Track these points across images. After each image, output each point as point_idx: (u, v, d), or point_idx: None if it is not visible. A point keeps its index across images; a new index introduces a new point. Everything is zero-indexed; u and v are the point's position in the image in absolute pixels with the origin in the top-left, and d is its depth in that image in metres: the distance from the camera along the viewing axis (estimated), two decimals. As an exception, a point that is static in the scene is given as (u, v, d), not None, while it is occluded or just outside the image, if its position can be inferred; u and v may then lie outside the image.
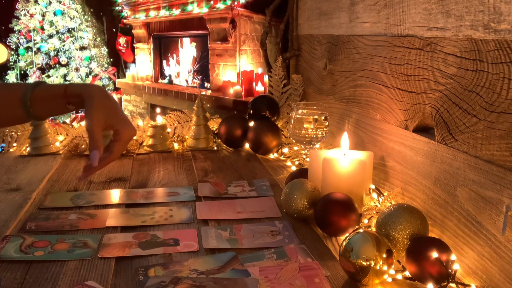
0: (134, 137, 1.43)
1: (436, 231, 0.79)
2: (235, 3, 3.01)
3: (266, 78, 2.78)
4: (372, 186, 0.97)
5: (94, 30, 4.98)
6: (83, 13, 4.87)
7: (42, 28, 4.61)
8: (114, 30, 4.92)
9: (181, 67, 3.96)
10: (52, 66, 4.66)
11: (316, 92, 1.47)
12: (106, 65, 4.97)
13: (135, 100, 4.43)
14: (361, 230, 0.70)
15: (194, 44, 3.75)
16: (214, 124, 1.56)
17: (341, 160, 0.90)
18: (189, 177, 1.17)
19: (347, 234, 0.72)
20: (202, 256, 0.76)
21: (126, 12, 4.31)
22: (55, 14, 4.63)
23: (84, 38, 4.77)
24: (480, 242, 0.67)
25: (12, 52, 4.58)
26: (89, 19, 4.96)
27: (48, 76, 4.64)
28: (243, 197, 1.03)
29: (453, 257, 0.66)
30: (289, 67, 1.70)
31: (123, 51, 4.73)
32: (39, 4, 4.60)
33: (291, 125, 1.17)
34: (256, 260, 0.74)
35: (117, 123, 0.76)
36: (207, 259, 0.75)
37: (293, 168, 1.23)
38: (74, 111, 0.78)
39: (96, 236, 0.83)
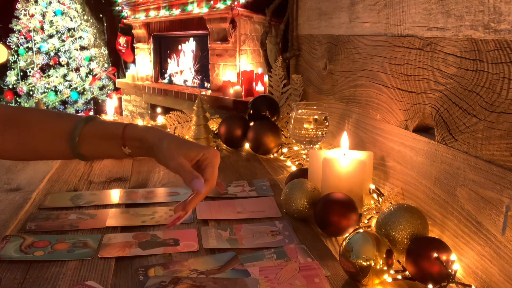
0: None
1: (436, 231, 0.79)
2: (235, 3, 3.01)
3: (266, 78, 2.78)
4: (372, 186, 0.97)
5: (94, 30, 4.98)
6: (83, 13, 4.87)
7: (42, 28, 4.61)
8: (114, 30, 4.92)
9: (182, 66, 3.96)
10: (52, 66, 4.66)
11: (316, 92, 1.47)
12: (106, 65, 4.97)
13: (135, 100, 4.43)
14: (361, 230, 0.70)
15: (193, 41, 3.75)
16: (214, 124, 1.56)
17: (341, 160, 0.90)
18: (189, 177, 1.17)
19: (347, 234, 0.72)
20: (202, 256, 0.76)
21: (126, 12, 4.30)
22: (55, 14, 4.64)
23: (84, 38, 4.77)
24: (480, 242, 0.67)
25: (13, 52, 4.58)
26: (89, 19, 4.96)
27: (48, 76, 4.64)
28: (243, 197, 1.03)
29: (453, 257, 0.66)
30: (289, 67, 1.70)
31: (123, 51, 4.73)
32: (39, 4, 4.60)
33: (291, 125, 1.17)
34: (256, 260, 0.74)
35: (197, 151, 0.67)
36: (207, 259, 0.75)
37: (293, 168, 1.23)
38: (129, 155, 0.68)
39: (96, 236, 0.83)
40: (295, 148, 1.34)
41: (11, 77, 4.62)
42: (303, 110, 1.16)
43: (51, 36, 4.64)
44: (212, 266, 0.72)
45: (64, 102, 4.76)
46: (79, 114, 0.71)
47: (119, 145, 0.67)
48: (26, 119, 0.69)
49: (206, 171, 0.66)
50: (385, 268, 0.66)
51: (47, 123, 0.69)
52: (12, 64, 4.63)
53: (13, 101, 4.63)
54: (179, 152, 0.65)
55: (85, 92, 4.80)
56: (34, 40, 4.59)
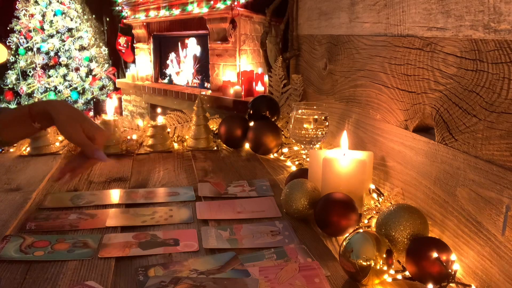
0: (135, 138, 1.43)
1: (436, 231, 0.79)
2: (235, 3, 3.01)
3: (266, 78, 2.78)
4: (372, 186, 0.97)
5: (94, 30, 4.98)
6: (83, 13, 4.87)
7: (42, 28, 4.61)
8: (114, 30, 4.92)
9: (183, 66, 3.96)
10: (52, 66, 4.66)
11: (316, 92, 1.47)
12: (106, 65, 4.97)
13: (135, 100, 4.43)
14: (361, 230, 0.70)
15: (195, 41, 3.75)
16: (214, 124, 1.56)
17: (341, 160, 0.90)
18: (189, 177, 1.17)
19: (347, 234, 0.72)
20: (202, 256, 0.76)
21: (126, 12, 4.30)
22: (55, 14, 4.63)
23: (84, 38, 4.77)
24: (480, 242, 0.67)
25: (13, 52, 4.58)
26: (89, 19, 4.96)
27: (49, 76, 4.64)
28: (243, 197, 1.03)
29: (453, 257, 0.66)
30: (289, 67, 1.70)
31: (123, 51, 4.73)
32: (39, 4, 4.60)
33: (291, 125, 1.17)
34: (256, 260, 0.74)
35: (90, 129, 0.77)
36: (207, 259, 0.75)
37: (293, 168, 1.23)
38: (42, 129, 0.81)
39: (96, 236, 0.83)
40: (295, 148, 1.34)
41: (11, 77, 4.61)
42: (303, 110, 1.16)
43: (51, 36, 4.64)
44: (212, 266, 0.72)
45: (64, 102, 4.75)
46: None
47: (30, 123, 0.77)
48: None
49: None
50: (385, 268, 0.66)
51: None
52: (13, 64, 4.62)
53: (13, 101, 4.63)
54: (76, 127, 0.76)
55: (85, 92, 4.79)
56: (34, 40, 4.59)
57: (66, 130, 0.76)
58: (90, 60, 4.81)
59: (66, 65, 4.70)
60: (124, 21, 4.40)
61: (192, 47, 3.79)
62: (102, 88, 4.90)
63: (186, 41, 3.83)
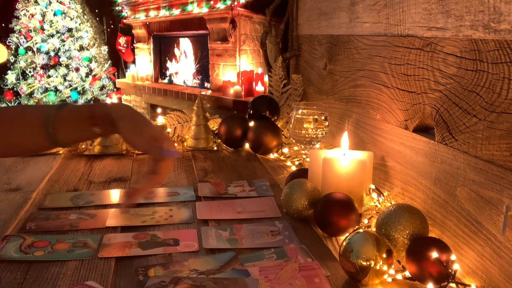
0: None
1: (436, 231, 0.79)
2: (235, 3, 3.01)
3: (266, 78, 2.78)
4: (372, 186, 0.97)
5: (94, 30, 4.98)
6: (83, 13, 4.87)
7: (42, 28, 4.61)
8: (114, 30, 4.92)
9: (182, 66, 3.96)
10: (52, 66, 4.66)
11: (316, 92, 1.47)
12: (106, 65, 4.97)
13: (135, 100, 4.43)
14: (361, 230, 0.70)
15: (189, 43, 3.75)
16: (214, 124, 1.56)
17: (341, 160, 0.90)
18: (189, 177, 1.17)
19: (347, 234, 0.72)
20: (202, 256, 0.76)
21: (126, 12, 4.31)
22: (55, 14, 4.63)
23: (84, 38, 4.77)
24: (480, 242, 0.67)
25: (13, 52, 4.58)
26: (89, 19, 4.96)
27: (49, 76, 4.64)
28: (243, 197, 1.03)
29: (453, 257, 0.66)
30: (289, 67, 1.70)
31: (123, 51, 4.73)
32: (39, 4, 4.60)
33: (291, 125, 1.17)
34: (256, 260, 0.74)
35: (158, 137, 0.70)
36: (207, 259, 0.75)
37: (293, 168, 1.22)
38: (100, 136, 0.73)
39: (96, 236, 0.83)
40: (295, 148, 1.34)
41: (11, 77, 4.61)
42: (303, 110, 1.16)
43: (51, 36, 4.64)
44: (212, 266, 0.72)
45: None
46: (51, 104, 0.74)
47: (89, 126, 0.70)
48: (4, 116, 0.72)
49: (158, 163, 0.69)
50: (385, 268, 0.66)
51: (22, 117, 0.72)
52: (13, 64, 4.62)
53: (13, 101, 4.63)
54: (139, 135, 0.68)
55: (85, 92, 4.80)
56: (34, 40, 4.59)
57: (129, 140, 0.68)
58: (90, 60, 4.81)
59: (66, 65, 4.70)
60: (124, 21, 4.40)
61: (189, 47, 3.79)
62: (102, 88, 4.90)
63: (182, 40, 3.83)
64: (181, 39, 3.89)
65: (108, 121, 0.69)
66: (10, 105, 4.57)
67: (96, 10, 5.00)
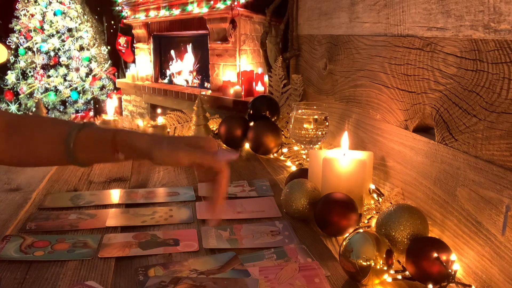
0: None
1: (436, 231, 0.79)
2: (235, 3, 3.01)
3: (266, 78, 2.78)
4: (372, 186, 0.97)
5: (94, 30, 4.98)
6: (83, 13, 4.87)
7: (42, 28, 4.61)
8: (114, 30, 4.92)
9: (181, 66, 3.96)
10: (52, 66, 4.66)
11: (316, 92, 1.47)
12: (106, 65, 4.97)
13: (135, 100, 4.43)
14: (361, 230, 0.70)
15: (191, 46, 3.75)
16: (214, 124, 1.56)
17: (341, 160, 0.90)
18: (189, 177, 1.17)
19: (347, 234, 0.72)
20: (202, 256, 0.76)
21: (126, 12, 4.30)
22: (55, 14, 4.63)
23: (84, 38, 4.77)
24: (480, 242, 0.67)
25: (13, 52, 4.58)
26: (89, 19, 4.96)
27: (48, 76, 4.64)
28: (243, 197, 1.03)
29: (453, 257, 0.66)
30: (289, 67, 1.70)
31: (123, 51, 4.73)
32: (39, 4, 4.60)
33: (291, 125, 1.17)
34: (256, 260, 0.74)
35: (195, 141, 0.66)
36: (207, 259, 0.75)
37: (293, 168, 1.22)
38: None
39: (96, 236, 0.83)
40: (295, 148, 1.34)
41: (11, 77, 4.61)
42: (303, 110, 1.16)
43: (51, 36, 4.64)
44: (212, 266, 0.72)
45: (64, 102, 4.76)
46: (75, 121, 0.73)
47: (111, 151, 0.67)
48: (28, 126, 0.71)
49: (213, 170, 0.65)
50: (385, 268, 0.66)
51: (45, 130, 0.71)
52: (13, 64, 4.62)
53: (13, 101, 4.63)
54: (179, 151, 0.64)
55: (85, 92, 4.80)
56: (34, 40, 4.59)
57: (172, 162, 0.63)
58: (90, 60, 4.81)
59: (66, 65, 4.70)
60: (124, 21, 4.40)
61: (189, 47, 3.79)
62: (102, 88, 4.90)
63: (186, 41, 3.83)
64: (181, 39, 3.89)
65: (133, 150, 0.66)
66: (10, 105, 4.58)
67: (98, 9, 4.99)
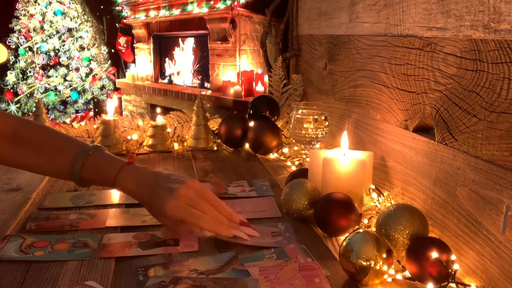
0: (135, 138, 1.43)
1: (436, 231, 0.79)
2: (235, 3, 3.01)
3: (266, 78, 2.78)
4: (372, 186, 0.97)
5: (94, 30, 4.98)
6: (83, 13, 4.87)
7: (42, 28, 4.61)
8: (113, 30, 4.92)
9: (182, 66, 3.96)
10: (52, 66, 4.66)
11: (316, 92, 1.47)
12: (106, 65, 4.97)
13: (135, 100, 4.43)
14: (361, 230, 0.70)
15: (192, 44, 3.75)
16: (214, 124, 1.56)
17: (341, 160, 0.90)
18: (189, 177, 1.17)
19: (347, 234, 0.72)
20: (202, 256, 0.76)
21: (126, 12, 4.31)
22: (55, 14, 4.64)
23: (84, 38, 4.77)
24: (480, 242, 0.67)
25: (13, 52, 4.58)
26: (89, 19, 4.96)
27: (48, 76, 4.64)
28: (243, 197, 1.03)
29: (453, 257, 0.66)
30: (289, 67, 1.70)
31: (123, 51, 4.73)
32: (39, 4, 4.60)
33: (291, 125, 1.17)
34: (256, 260, 0.74)
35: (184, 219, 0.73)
36: (207, 259, 0.75)
37: (293, 168, 1.22)
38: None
39: (96, 236, 0.83)
40: (295, 148, 1.34)
41: (11, 77, 4.61)
42: (303, 110, 1.16)
43: (51, 36, 4.64)
44: (212, 266, 0.72)
45: (64, 102, 4.76)
46: (83, 142, 0.78)
47: (111, 185, 0.75)
48: (36, 139, 0.76)
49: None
50: (385, 268, 0.66)
51: (56, 146, 0.76)
52: (13, 64, 4.62)
53: (13, 101, 4.63)
54: (173, 212, 0.71)
55: (85, 92, 4.80)
56: (34, 40, 4.59)
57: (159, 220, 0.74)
58: (90, 60, 4.81)
59: (66, 65, 4.70)
60: (124, 21, 4.40)
61: (189, 47, 3.78)
62: (102, 88, 4.90)
63: (185, 41, 3.83)
64: (182, 39, 3.89)
65: (130, 194, 0.74)
66: (10, 104, 4.58)
67: (98, 9, 4.99)
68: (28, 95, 4.64)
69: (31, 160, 0.76)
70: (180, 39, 3.89)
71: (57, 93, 4.68)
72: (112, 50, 4.90)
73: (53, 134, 0.80)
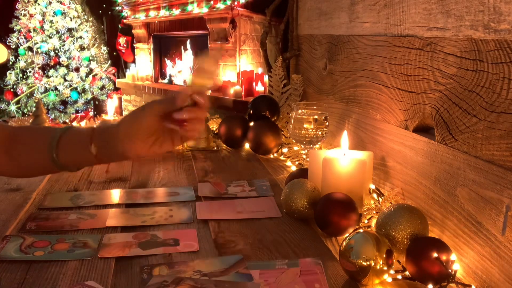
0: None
1: (436, 231, 0.79)
2: (235, 3, 3.01)
3: (266, 78, 2.78)
4: (372, 186, 0.97)
5: (94, 30, 4.98)
6: (83, 13, 4.87)
7: (42, 28, 4.61)
8: (113, 30, 4.92)
9: (182, 66, 3.96)
10: (52, 66, 4.66)
11: (316, 92, 1.47)
12: (106, 65, 4.97)
13: (135, 100, 4.43)
14: (361, 230, 0.70)
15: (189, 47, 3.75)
16: (214, 124, 1.56)
17: (341, 160, 0.90)
18: (189, 177, 1.17)
19: (347, 234, 0.72)
20: (209, 258, 0.76)
21: (126, 12, 4.30)
22: (55, 14, 4.63)
23: (84, 38, 4.77)
24: (480, 242, 0.67)
25: (12, 52, 4.58)
26: (89, 19, 4.96)
27: (48, 76, 4.64)
28: (243, 197, 1.03)
29: (453, 257, 0.66)
30: (289, 67, 1.70)
31: (123, 51, 4.73)
32: (39, 4, 4.60)
33: (291, 125, 1.17)
34: (265, 268, 0.72)
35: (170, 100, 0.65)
36: (213, 261, 0.74)
37: (293, 168, 1.22)
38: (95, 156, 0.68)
39: (96, 236, 0.83)
40: (295, 148, 1.34)
41: (11, 77, 4.61)
42: (303, 110, 1.16)
43: (51, 36, 4.64)
44: (216, 268, 0.72)
45: (64, 102, 4.76)
46: (60, 127, 0.74)
47: (87, 144, 0.67)
48: (23, 137, 0.73)
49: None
50: (385, 268, 0.66)
51: (35, 140, 0.72)
52: (13, 64, 4.62)
53: (13, 101, 4.63)
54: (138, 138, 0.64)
55: (85, 92, 4.79)
56: (34, 40, 4.59)
57: (128, 150, 0.65)
58: (90, 60, 4.81)
59: (66, 65, 4.70)
60: (124, 21, 4.40)
61: (189, 47, 3.78)
62: (102, 88, 4.89)
63: (186, 41, 3.83)
64: (181, 39, 3.88)
65: (106, 135, 0.66)
66: (10, 105, 4.58)
67: (98, 9, 4.99)
68: (28, 95, 4.64)
69: (22, 159, 0.72)
70: (180, 39, 3.88)
71: (57, 93, 4.68)
72: (114, 53, 4.90)
73: (33, 130, 0.77)
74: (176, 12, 3.56)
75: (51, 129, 0.72)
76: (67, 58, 4.69)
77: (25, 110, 4.65)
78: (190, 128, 0.64)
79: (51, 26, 4.63)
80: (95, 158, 0.68)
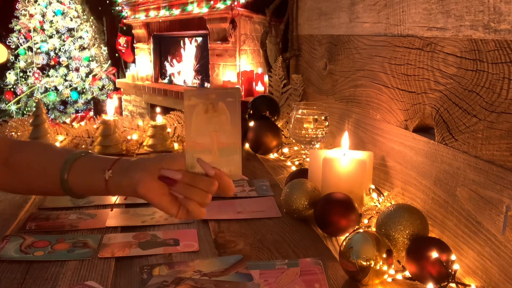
0: (135, 138, 1.43)
1: (436, 231, 0.79)
2: (235, 3, 3.01)
3: (266, 78, 2.78)
4: (372, 186, 0.97)
5: (94, 30, 4.98)
6: (83, 13, 4.87)
7: (42, 28, 4.61)
8: (113, 30, 4.92)
9: (182, 66, 3.96)
10: (52, 66, 4.66)
11: (316, 92, 1.47)
12: (106, 65, 4.97)
13: (135, 100, 4.43)
14: (361, 230, 0.70)
15: (194, 43, 3.75)
16: (214, 124, 1.56)
17: (341, 160, 0.90)
18: (189, 177, 1.17)
19: (347, 234, 0.72)
20: (209, 258, 0.76)
21: (126, 12, 4.30)
22: (55, 14, 4.63)
23: (84, 38, 4.77)
24: (480, 242, 0.67)
25: (12, 52, 4.58)
26: (89, 19, 4.96)
27: (48, 76, 4.64)
28: (243, 197, 1.03)
29: (453, 257, 0.66)
30: (289, 67, 1.70)
31: (123, 51, 4.73)
32: (39, 4, 4.60)
33: (291, 125, 1.17)
34: (266, 268, 0.72)
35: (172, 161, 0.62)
36: (213, 261, 0.74)
37: (293, 168, 1.22)
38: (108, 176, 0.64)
39: (96, 236, 0.83)
40: (295, 148, 1.34)
41: (11, 77, 4.61)
42: (303, 110, 1.16)
43: (51, 36, 4.64)
44: (216, 268, 0.72)
45: (64, 102, 4.76)
46: (74, 150, 0.70)
47: (104, 169, 0.64)
48: (26, 158, 0.70)
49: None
50: (385, 268, 0.66)
51: (41, 161, 0.69)
52: (13, 64, 4.62)
53: (13, 102, 4.63)
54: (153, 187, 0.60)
55: (85, 92, 4.80)
56: (34, 40, 4.59)
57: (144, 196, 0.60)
58: (90, 60, 4.81)
59: (66, 65, 4.70)
60: (124, 21, 4.40)
61: (193, 46, 3.79)
62: (102, 88, 4.90)
63: (187, 41, 3.83)
64: (182, 39, 3.89)
65: (127, 164, 0.64)
66: (10, 104, 4.58)
67: (98, 9, 4.99)
68: (28, 95, 4.64)
69: (22, 178, 0.69)
70: (187, 39, 3.88)
71: (57, 93, 4.68)
72: (116, 55, 4.90)
73: (43, 149, 0.73)
74: (176, 12, 3.56)
75: (69, 150, 0.69)
76: (67, 58, 4.69)
77: (25, 110, 4.65)
78: (190, 201, 0.60)
79: (51, 26, 4.63)
80: (105, 184, 0.63)
